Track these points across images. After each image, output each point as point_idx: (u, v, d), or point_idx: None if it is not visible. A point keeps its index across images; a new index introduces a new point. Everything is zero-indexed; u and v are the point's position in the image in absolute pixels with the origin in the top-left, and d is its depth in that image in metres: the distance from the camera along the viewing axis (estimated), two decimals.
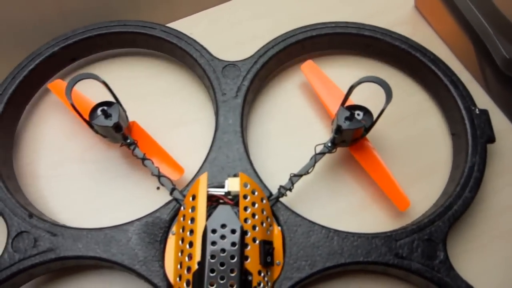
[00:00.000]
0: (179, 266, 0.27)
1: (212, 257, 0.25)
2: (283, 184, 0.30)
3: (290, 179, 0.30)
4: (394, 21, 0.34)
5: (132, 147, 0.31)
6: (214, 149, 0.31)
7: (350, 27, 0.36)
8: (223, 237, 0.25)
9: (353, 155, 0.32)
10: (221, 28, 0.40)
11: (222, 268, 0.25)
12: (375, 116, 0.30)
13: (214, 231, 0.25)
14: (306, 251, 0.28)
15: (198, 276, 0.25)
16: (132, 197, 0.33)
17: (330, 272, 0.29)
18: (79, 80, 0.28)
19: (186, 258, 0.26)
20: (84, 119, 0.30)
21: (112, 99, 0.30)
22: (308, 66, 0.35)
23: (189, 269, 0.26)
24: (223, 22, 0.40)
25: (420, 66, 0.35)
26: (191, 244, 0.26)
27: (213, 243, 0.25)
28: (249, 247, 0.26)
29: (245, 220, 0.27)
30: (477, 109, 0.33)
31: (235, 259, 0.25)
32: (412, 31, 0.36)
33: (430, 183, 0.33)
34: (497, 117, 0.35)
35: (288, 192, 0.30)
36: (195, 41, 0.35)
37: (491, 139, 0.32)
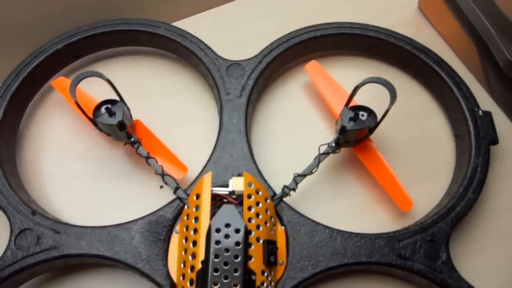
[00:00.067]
0: (182, 265, 0.27)
1: (216, 256, 0.25)
2: (286, 184, 0.30)
3: (294, 179, 0.30)
4: (397, 22, 0.35)
5: (136, 146, 0.31)
6: (218, 148, 0.31)
7: (354, 28, 0.36)
8: (227, 236, 0.25)
9: (357, 155, 0.32)
10: (225, 27, 0.40)
11: (226, 267, 0.25)
12: (379, 116, 0.30)
13: (218, 231, 0.25)
14: (309, 251, 0.28)
15: (202, 275, 0.25)
16: (135, 196, 0.33)
17: (333, 272, 0.29)
18: (83, 78, 0.28)
19: (190, 257, 0.26)
20: (88, 117, 0.30)
21: (115, 98, 0.30)
22: (312, 66, 0.35)
23: (192, 268, 0.26)
24: (227, 22, 0.40)
25: (424, 67, 0.35)
26: (194, 243, 0.26)
27: (217, 242, 0.25)
28: (252, 247, 0.26)
29: (249, 220, 0.27)
30: (480, 111, 0.33)
31: (239, 259, 0.25)
32: (415, 32, 0.36)
33: (433, 184, 0.33)
34: (499, 119, 0.35)
35: (291, 192, 0.30)
36: (199, 40, 0.35)
37: (494, 140, 0.32)
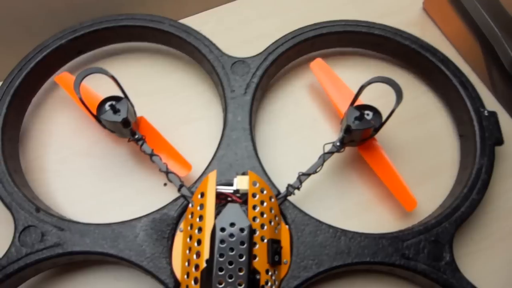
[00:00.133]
0: (186, 264, 0.27)
1: (221, 255, 0.25)
2: (291, 182, 0.30)
3: (299, 177, 0.30)
4: (402, 23, 0.35)
5: (140, 143, 0.31)
6: (223, 146, 0.31)
7: (360, 26, 0.35)
8: (231, 235, 0.25)
9: (361, 154, 0.32)
10: (230, 26, 0.40)
11: (230, 267, 0.25)
12: (384, 115, 0.30)
13: (223, 230, 0.25)
14: (313, 250, 0.28)
15: (207, 274, 0.25)
16: (138, 193, 0.33)
17: (336, 272, 0.29)
18: (87, 75, 0.28)
19: (194, 256, 0.26)
20: (92, 114, 0.30)
21: (119, 94, 0.30)
22: (318, 64, 0.35)
23: (197, 266, 0.26)
24: (232, 21, 0.40)
25: (429, 66, 0.35)
26: (199, 242, 0.26)
27: (222, 241, 0.25)
28: (257, 246, 0.26)
29: (254, 219, 0.27)
30: (486, 111, 0.32)
31: (244, 258, 0.25)
32: (420, 33, 0.36)
33: (437, 184, 0.33)
34: (504, 120, 0.35)
35: (296, 191, 0.30)
36: (204, 36, 0.35)
37: (500, 141, 0.32)
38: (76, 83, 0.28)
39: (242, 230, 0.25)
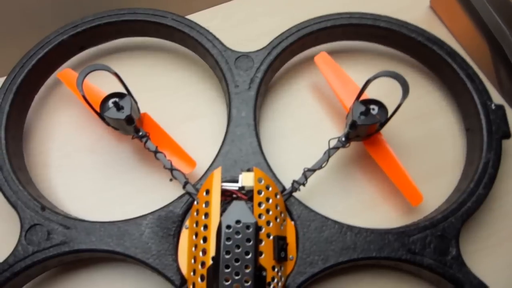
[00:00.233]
0: (193, 261, 0.27)
1: (227, 253, 0.25)
2: (296, 178, 0.30)
3: (304, 173, 0.30)
4: (409, 21, 0.34)
5: (144, 140, 0.31)
6: (227, 142, 0.31)
7: (365, 18, 0.35)
8: (237, 233, 0.25)
9: (367, 149, 0.32)
10: (235, 23, 0.39)
11: (237, 264, 0.25)
12: (390, 110, 0.30)
13: (228, 227, 0.25)
14: (319, 246, 0.28)
15: (213, 272, 0.25)
16: (143, 190, 0.33)
17: (342, 267, 0.29)
18: (90, 72, 0.28)
19: (200, 253, 0.26)
20: (96, 111, 0.30)
21: (122, 91, 0.30)
22: (322, 58, 0.35)
23: (203, 264, 0.26)
24: (238, 17, 0.39)
25: (436, 58, 0.34)
26: (205, 239, 0.26)
27: (228, 239, 0.25)
28: (263, 243, 0.26)
29: (259, 216, 0.26)
30: (493, 104, 0.32)
31: (250, 255, 0.25)
32: None
33: (442, 180, 0.33)
34: (510, 119, 0.34)
35: (301, 187, 0.30)
36: (207, 30, 0.34)
37: (507, 134, 0.31)
38: (79, 80, 0.28)
39: (248, 227, 0.25)
